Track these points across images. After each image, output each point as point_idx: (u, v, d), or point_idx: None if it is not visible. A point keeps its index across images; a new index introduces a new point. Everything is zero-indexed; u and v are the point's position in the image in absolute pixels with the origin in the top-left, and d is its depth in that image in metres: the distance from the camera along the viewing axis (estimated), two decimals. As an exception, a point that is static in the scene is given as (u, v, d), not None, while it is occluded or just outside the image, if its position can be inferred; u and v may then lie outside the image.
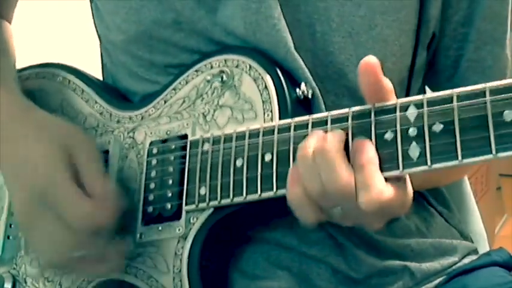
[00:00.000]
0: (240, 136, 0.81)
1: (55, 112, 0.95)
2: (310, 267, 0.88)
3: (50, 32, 1.74)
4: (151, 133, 0.89)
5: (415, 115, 0.70)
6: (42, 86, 0.98)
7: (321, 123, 0.76)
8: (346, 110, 0.75)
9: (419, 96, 0.71)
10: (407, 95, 0.93)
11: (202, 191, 0.82)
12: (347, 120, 0.74)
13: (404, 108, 0.71)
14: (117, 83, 0.98)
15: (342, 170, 0.70)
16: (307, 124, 0.77)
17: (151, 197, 0.86)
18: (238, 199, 0.80)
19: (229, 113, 0.84)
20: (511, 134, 0.66)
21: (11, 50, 0.99)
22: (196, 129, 0.85)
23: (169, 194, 0.85)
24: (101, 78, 1.04)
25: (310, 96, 0.84)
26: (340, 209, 0.72)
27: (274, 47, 0.85)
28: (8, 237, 0.95)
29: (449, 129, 0.68)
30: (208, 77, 0.87)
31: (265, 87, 0.83)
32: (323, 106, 0.85)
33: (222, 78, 0.85)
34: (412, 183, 0.73)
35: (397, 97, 0.74)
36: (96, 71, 1.02)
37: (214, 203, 0.81)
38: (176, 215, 0.84)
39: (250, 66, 0.84)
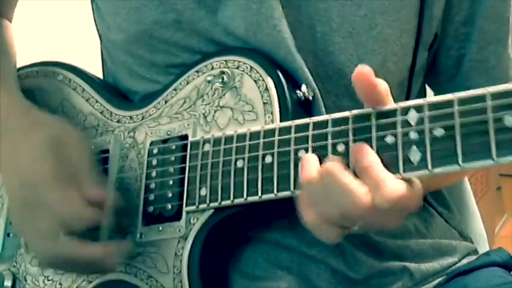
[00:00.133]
0: (241, 137, 0.81)
1: (55, 110, 0.95)
2: (310, 268, 0.88)
3: (51, 30, 1.74)
4: (151, 133, 0.89)
5: (415, 119, 0.70)
6: (43, 84, 0.98)
7: (321, 126, 0.76)
8: (346, 113, 0.75)
9: (420, 100, 0.71)
10: (407, 96, 0.94)
11: (203, 191, 0.82)
12: (347, 123, 0.74)
13: (405, 111, 0.71)
14: (117, 82, 0.98)
15: (359, 190, 0.68)
16: (308, 126, 0.77)
17: (151, 197, 0.86)
18: (238, 200, 0.80)
19: (230, 114, 0.84)
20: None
21: (11, 50, 0.99)
22: (197, 130, 0.85)
23: (170, 195, 0.85)
24: (101, 77, 1.04)
25: (310, 98, 0.84)
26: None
27: (274, 48, 0.85)
28: (8, 235, 0.95)
29: (450, 133, 0.68)
30: (209, 78, 0.86)
31: (266, 88, 0.83)
32: (323, 108, 0.85)
33: (222, 79, 0.85)
34: None
35: (398, 98, 0.74)
36: (96, 70, 1.02)
37: (214, 204, 0.81)
38: (176, 216, 0.84)
39: (251, 68, 0.84)
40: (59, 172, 0.83)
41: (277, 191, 0.77)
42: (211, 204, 0.81)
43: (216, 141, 0.83)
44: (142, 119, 0.90)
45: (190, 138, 0.85)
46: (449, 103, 0.69)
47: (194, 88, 0.87)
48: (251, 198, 0.79)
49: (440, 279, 0.92)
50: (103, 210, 0.84)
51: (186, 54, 0.90)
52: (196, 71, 0.88)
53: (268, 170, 0.78)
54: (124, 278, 0.86)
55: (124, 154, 0.90)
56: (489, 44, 0.93)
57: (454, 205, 1.03)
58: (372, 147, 0.71)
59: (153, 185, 0.87)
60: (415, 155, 0.70)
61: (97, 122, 0.93)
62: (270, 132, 0.79)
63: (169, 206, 0.85)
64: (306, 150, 0.76)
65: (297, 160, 0.76)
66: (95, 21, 1.00)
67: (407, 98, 0.93)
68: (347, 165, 0.71)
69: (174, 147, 0.86)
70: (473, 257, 0.97)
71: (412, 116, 0.71)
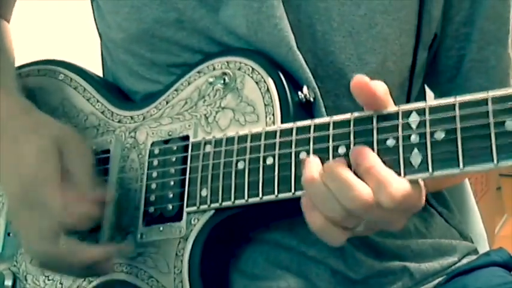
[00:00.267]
0: (242, 139, 0.81)
1: (56, 110, 0.95)
2: (310, 268, 0.88)
3: (51, 29, 1.74)
4: (153, 133, 0.89)
5: (417, 122, 0.70)
6: (43, 84, 0.98)
7: (323, 128, 0.76)
8: (348, 115, 0.75)
9: (422, 104, 0.71)
10: (408, 96, 0.94)
11: (204, 192, 0.82)
12: (349, 126, 0.74)
13: (407, 115, 0.71)
14: (117, 82, 0.98)
15: (360, 184, 0.69)
16: (309, 128, 0.77)
17: (152, 198, 0.86)
18: (239, 202, 0.80)
19: (231, 115, 0.84)
20: None
21: (10, 50, 0.99)
22: (198, 131, 0.85)
23: (171, 195, 0.85)
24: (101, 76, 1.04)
25: (312, 99, 0.84)
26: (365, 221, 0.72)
27: (275, 47, 0.85)
28: (9, 234, 0.95)
29: (451, 137, 0.68)
30: (211, 79, 0.86)
31: (268, 90, 0.83)
32: (323, 108, 0.85)
33: (224, 80, 0.85)
34: None
35: (398, 99, 0.74)
36: (96, 70, 1.01)
37: (215, 205, 0.81)
38: (177, 216, 0.84)
39: (252, 69, 0.84)
40: (59, 173, 0.83)
41: (278, 193, 0.77)
42: (212, 205, 0.81)
43: (217, 143, 0.83)
44: (143, 119, 0.90)
45: (191, 139, 0.85)
46: (450, 107, 0.69)
47: (196, 89, 0.87)
48: (252, 200, 0.79)
49: (440, 279, 0.93)
50: (103, 211, 0.84)
51: (187, 53, 0.90)
52: (198, 72, 0.88)
53: (269, 172, 0.78)
54: (125, 278, 0.86)
55: (125, 154, 0.90)
56: (489, 44, 0.93)
57: (454, 205, 1.04)
58: (373, 149, 0.71)
59: (154, 186, 0.87)
60: (416, 158, 0.70)
61: (98, 121, 0.93)
62: (271, 134, 0.79)
63: (170, 207, 0.85)
64: (307, 152, 0.76)
65: (298, 162, 0.76)
66: (95, 19, 1.00)
67: (407, 100, 0.93)
68: (349, 166, 0.71)
69: (175, 148, 0.86)
70: (474, 257, 0.97)
71: (414, 119, 0.71)
